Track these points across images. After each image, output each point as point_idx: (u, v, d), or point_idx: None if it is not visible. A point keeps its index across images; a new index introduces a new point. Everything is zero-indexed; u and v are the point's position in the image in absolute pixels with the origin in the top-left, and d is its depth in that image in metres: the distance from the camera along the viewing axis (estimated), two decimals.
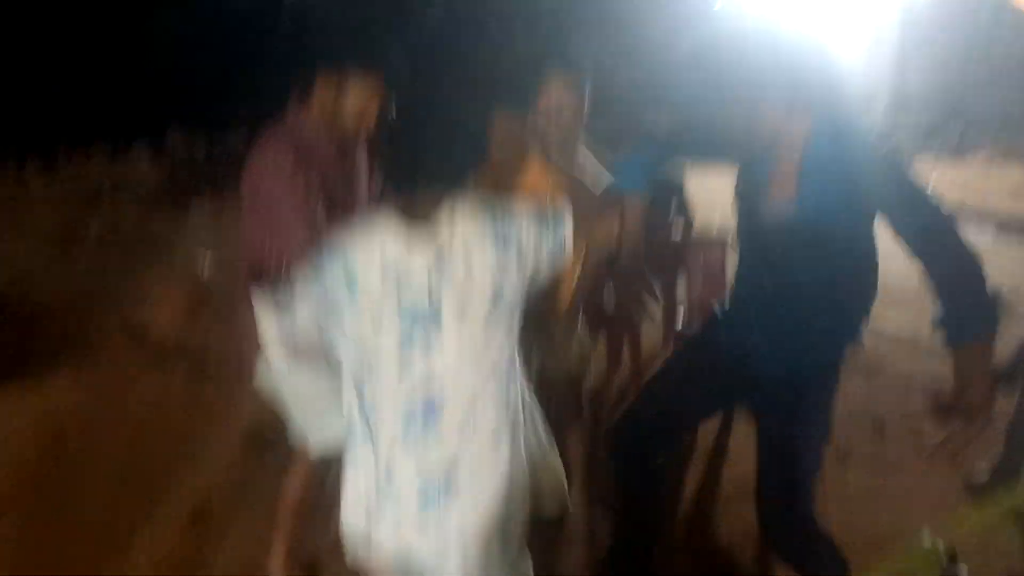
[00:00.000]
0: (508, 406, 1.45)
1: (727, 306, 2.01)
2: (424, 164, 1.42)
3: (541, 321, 1.70)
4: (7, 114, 9.56)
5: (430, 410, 1.39)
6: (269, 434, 2.98)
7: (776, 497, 1.81)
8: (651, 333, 3.72)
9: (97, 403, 3.71)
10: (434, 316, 1.37)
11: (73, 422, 3.59)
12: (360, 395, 1.42)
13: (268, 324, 1.86)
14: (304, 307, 1.45)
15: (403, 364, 1.38)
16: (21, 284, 5.46)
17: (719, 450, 3.25)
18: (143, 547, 2.69)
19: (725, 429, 3.29)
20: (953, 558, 1.63)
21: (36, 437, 3.48)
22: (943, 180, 8.42)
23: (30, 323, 4.80)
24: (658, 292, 3.37)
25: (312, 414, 2.03)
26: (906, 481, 3.02)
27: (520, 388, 1.51)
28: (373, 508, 1.43)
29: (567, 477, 1.74)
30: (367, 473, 1.43)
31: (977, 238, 6.97)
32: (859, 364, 3.82)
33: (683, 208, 3.43)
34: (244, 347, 2.06)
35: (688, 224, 3.45)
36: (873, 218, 1.63)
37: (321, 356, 1.58)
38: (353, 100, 1.88)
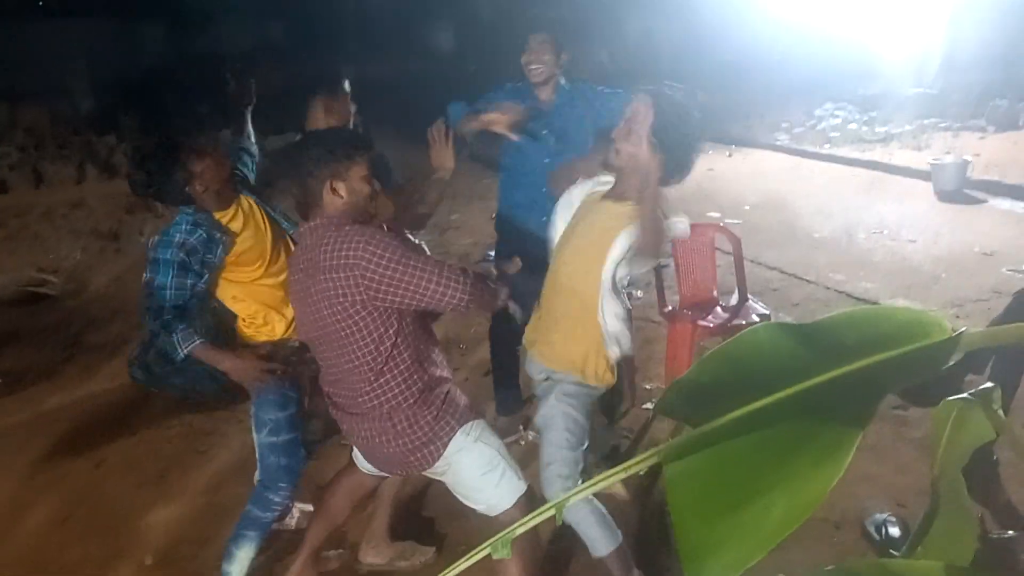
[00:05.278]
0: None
1: None
2: None
3: None
4: (73, 126, 10.16)
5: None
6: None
7: None
8: None
9: (133, 394, 4.01)
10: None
11: (114, 410, 3.90)
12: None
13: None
14: None
15: None
16: (76, 280, 5.87)
17: None
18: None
19: None
20: None
21: (83, 416, 3.80)
22: (989, 150, 8.13)
23: (81, 316, 5.18)
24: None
25: None
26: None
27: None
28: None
29: None
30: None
31: (1013, 208, 6.71)
32: None
33: None
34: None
35: None
36: None
37: None
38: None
